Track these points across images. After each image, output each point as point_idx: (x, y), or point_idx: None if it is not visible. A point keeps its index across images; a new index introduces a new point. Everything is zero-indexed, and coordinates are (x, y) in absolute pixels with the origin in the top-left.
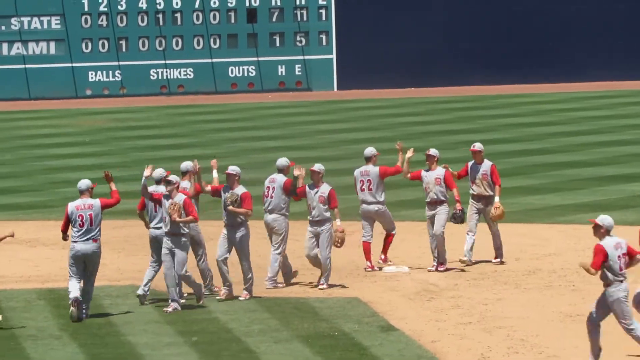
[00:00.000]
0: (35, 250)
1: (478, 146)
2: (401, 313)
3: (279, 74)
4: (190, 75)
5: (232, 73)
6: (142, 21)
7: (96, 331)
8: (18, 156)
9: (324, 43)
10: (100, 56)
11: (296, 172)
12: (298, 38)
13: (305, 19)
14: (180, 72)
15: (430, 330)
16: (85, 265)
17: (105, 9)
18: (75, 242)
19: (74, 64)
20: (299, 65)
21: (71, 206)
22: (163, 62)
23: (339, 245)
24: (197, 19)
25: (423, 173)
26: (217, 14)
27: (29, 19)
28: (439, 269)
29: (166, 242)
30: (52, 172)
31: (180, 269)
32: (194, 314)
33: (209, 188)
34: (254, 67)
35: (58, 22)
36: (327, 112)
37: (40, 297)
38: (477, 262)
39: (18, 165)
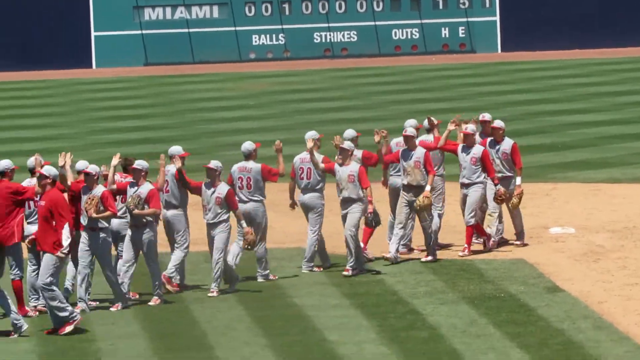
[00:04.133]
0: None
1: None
2: (567, 274)
3: (443, 36)
4: (353, 38)
5: (395, 36)
6: None
7: (262, 294)
8: (184, 120)
9: (488, 5)
10: (264, 20)
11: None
12: (461, 0)
13: None
14: (343, 35)
15: (596, 291)
16: None
17: None
18: None
19: (238, 28)
20: (463, 28)
21: None
22: (326, 25)
23: (248, 248)
24: None
25: (336, 167)
26: None
27: None
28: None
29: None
30: (218, 135)
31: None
32: (360, 276)
33: (114, 186)
34: (417, 30)
35: None
36: (490, 74)
37: (207, 260)
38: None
39: (185, 129)
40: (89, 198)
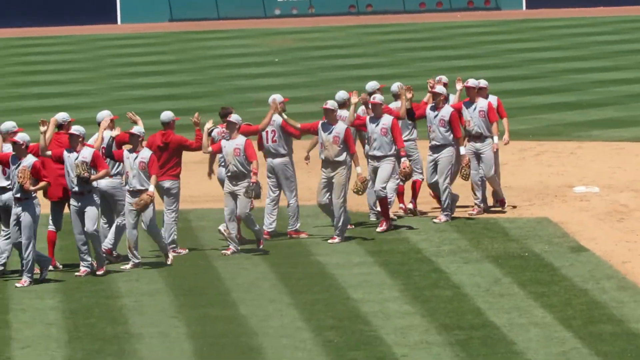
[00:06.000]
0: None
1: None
2: (591, 233)
3: None
4: None
5: None
6: None
7: (286, 251)
8: (208, 76)
9: None
10: None
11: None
12: None
13: None
14: None
15: (620, 250)
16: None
17: None
18: None
19: None
20: None
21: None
22: None
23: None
24: None
25: (223, 143)
26: None
27: None
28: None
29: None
30: (242, 91)
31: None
32: (385, 233)
33: (49, 152)
34: None
35: None
36: (515, 31)
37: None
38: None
39: (208, 85)
40: (20, 170)
